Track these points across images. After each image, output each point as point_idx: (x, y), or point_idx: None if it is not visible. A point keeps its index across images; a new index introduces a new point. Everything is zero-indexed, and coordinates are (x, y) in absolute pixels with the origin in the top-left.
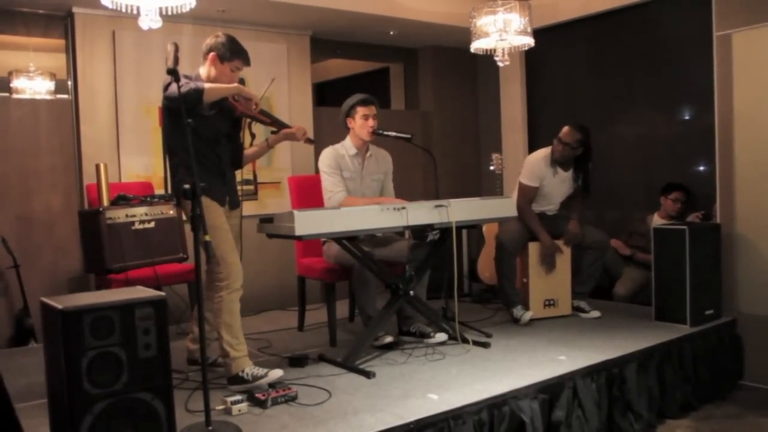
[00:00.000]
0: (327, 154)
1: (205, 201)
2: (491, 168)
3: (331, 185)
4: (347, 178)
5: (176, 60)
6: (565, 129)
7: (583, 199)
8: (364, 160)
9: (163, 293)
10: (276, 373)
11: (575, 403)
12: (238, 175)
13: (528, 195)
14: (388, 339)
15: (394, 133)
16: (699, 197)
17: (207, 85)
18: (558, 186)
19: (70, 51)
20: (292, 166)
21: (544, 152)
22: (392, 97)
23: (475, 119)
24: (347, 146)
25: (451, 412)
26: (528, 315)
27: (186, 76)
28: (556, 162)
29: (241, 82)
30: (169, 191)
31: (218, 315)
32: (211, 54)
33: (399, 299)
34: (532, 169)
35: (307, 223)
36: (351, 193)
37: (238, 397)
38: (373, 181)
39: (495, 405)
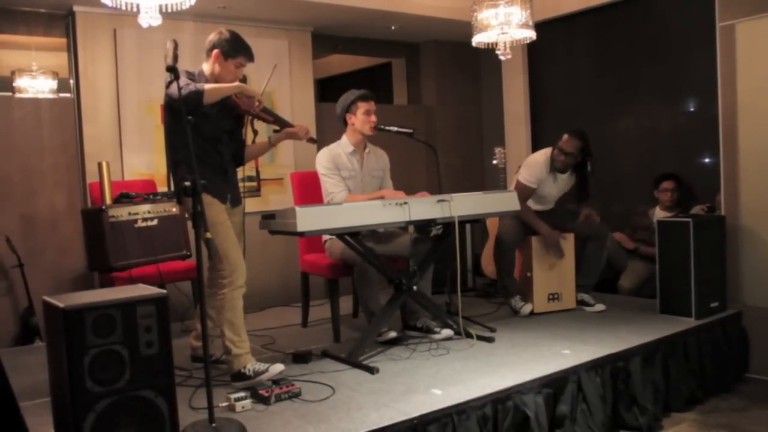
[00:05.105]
0: (323, 156)
1: (207, 198)
2: (494, 162)
3: (331, 186)
4: (347, 177)
5: (175, 57)
6: (565, 137)
7: (586, 201)
8: (363, 157)
9: (164, 291)
10: (277, 368)
11: (580, 397)
12: (241, 172)
13: (525, 194)
14: (392, 334)
15: (395, 128)
16: (703, 189)
17: (208, 86)
18: (555, 189)
19: (72, 50)
20: (295, 163)
21: (545, 155)
22: (395, 92)
23: (477, 113)
24: (343, 144)
25: (455, 407)
26: (528, 307)
27: (189, 73)
28: (557, 170)
29: (243, 79)
30: (171, 189)
31: (221, 312)
32: (215, 51)
33: (402, 295)
34: (533, 171)
35: (309, 219)
36: (352, 190)
37: (242, 394)
38: (373, 177)
39: (499, 400)
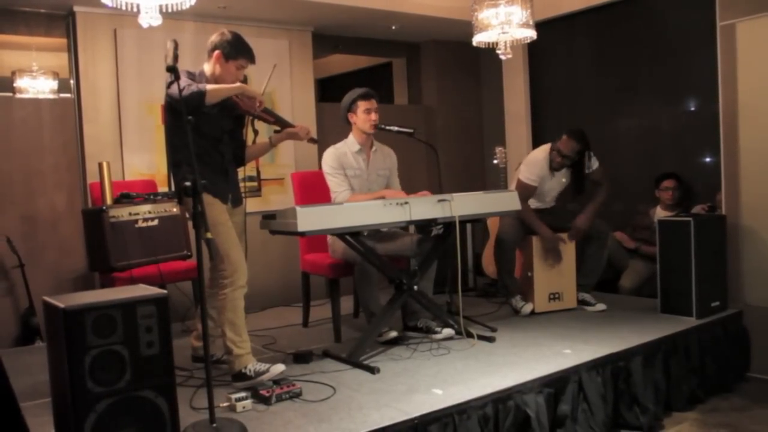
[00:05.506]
0: (329, 155)
1: (207, 198)
2: (495, 162)
3: (335, 185)
4: (352, 176)
5: (175, 57)
6: (564, 138)
7: (579, 194)
8: (369, 155)
9: (165, 291)
10: (278, 368)
11: (581, 397)
12: (241, 172)
13: (527, 192)
14: (393, 334)
15: (396, 128)
16: (703, 188)
17: (209, 87)
18: (554, 185)
19: (72, 50)
20: (296, 163)
21: (544, 152)
22: (395, 92)
23: (478, 113)
24: (349, 143)
25: (455, 407)
26: (528, 306)
27: (190, 73)
28: (554, 170)
29: (244, 80)
30: (172, 189)
31: (222, 312)
32: (216, 52)
33: (403, 295)
34: (534, 169)
35: (310, 219)
36: (358, 190)
37: (243, 394)
38: (379, 176)
39: (500, 399)
